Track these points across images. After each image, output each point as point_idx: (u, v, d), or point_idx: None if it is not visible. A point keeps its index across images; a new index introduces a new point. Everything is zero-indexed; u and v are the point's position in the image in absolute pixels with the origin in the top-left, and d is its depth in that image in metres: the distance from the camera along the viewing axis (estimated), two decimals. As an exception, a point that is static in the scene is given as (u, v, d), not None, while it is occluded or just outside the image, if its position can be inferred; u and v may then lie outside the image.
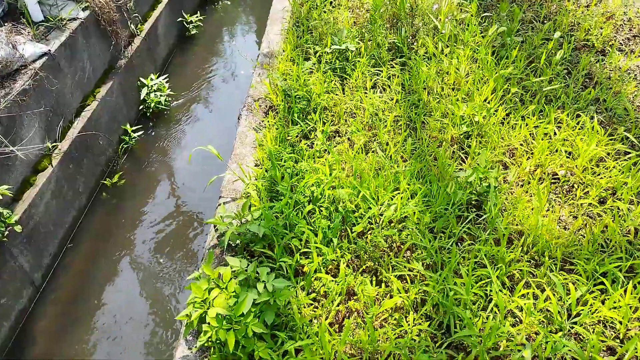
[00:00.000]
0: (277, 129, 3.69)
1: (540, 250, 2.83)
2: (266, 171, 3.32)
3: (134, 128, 5.66)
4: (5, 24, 4.67)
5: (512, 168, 3.42)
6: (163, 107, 6.09)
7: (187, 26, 7.57)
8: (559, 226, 3.05)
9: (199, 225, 5.04)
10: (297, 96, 3.83)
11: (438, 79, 4.05)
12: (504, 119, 3.78)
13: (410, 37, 4.58)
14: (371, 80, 4.23)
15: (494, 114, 3.72)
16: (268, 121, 3.85)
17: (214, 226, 3.12)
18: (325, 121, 3.87)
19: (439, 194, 3.13)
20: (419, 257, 2.79)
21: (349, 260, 2.84)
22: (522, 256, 2.84)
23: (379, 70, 4.30)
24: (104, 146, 5.23)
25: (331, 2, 5.50)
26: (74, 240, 4.69)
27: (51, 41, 4.66)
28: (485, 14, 4.83)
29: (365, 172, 3.26)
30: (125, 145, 5.58)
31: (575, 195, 3.22)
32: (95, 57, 5.27)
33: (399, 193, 3.13)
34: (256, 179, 3.37)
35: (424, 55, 4.39)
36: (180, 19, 7.46)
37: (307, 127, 3.74)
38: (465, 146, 3.61)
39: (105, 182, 5.17)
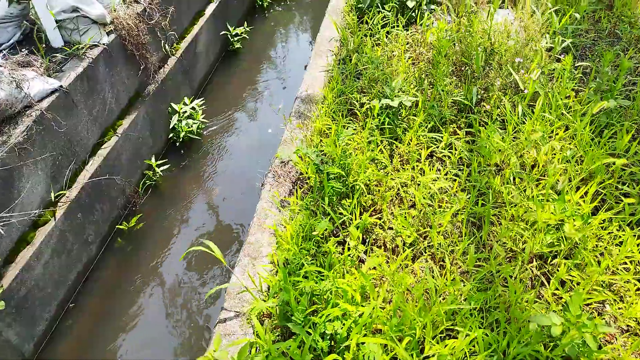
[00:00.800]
0: (302, 217, 2.88)
1: None
2: (280, 286, 2.53)
3: (159, 162, 5.04)
4: (22, 50, 4.12)
5: (612, 307, 2.45)
6: (195, 136, 5.43)
7: (232, 39, 6.87)
8: None
9: (224, 276, 4.34)
10: (331, 174, 2.99)
11: (515, 155, 3.08)
12: (602, 224, 2.77)
13: (482, 91, 3.60)
14: (427, 148, 3.32)
15: (590, 220, 2.72)
16: (294, 201, 3.04)
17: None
18: (364, 204, 3.02)
19: (509, 346, 2.23)
20: None
21: None
22: None
23: (438, 136, 3.37)
24: (123, 186, 4.64)
25: (387, 34, 4.58)
26: (77, 298, 4.12)
27: (66, 72, 4.06)
28: (582, 63, 3.74)
29: (409, 298, 2.40)
30: (148, 182, 4.97)
31: None
32: (119, 85, 4.66)
33: (453, 338, 2.25)
34: (268, 290, 2.60)
35: (497, 118, 3.42)
36: (223, 32, 6.76)
37: (339, 219, 2.90)
38: (548, 263, 2.65)
39: (121, 226, 4.58)
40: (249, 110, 6.01)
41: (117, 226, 4.57)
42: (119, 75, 4.64)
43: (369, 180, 3.07)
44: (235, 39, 6.92)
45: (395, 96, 3.50)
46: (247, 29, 7.10)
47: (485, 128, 3.28)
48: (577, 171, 2.93)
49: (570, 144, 3.13)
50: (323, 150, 3.22)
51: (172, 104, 5.43)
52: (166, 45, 5.39)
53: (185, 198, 4.95)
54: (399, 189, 3.09)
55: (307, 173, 3.18)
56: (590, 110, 3.01)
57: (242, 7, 7.56)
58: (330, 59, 4.40)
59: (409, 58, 4.09)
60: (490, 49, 3.71)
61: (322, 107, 3.69)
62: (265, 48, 7.21)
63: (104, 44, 4.42)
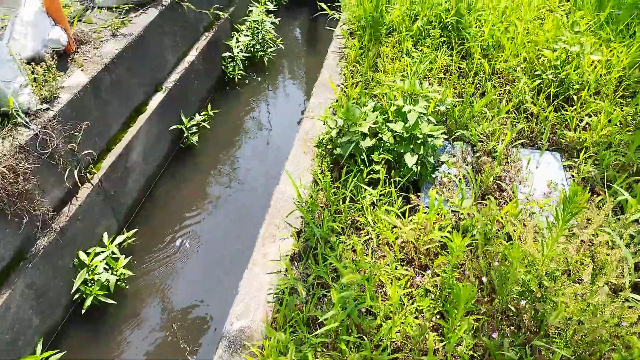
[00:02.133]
0: None
1: None
2: None
3: (50, 354, 3.43)
4: None
5: None
6: (110, 300, 3.77)
7: (187, 132, 5.26)
8: None
9: None
10: None
11: None
12: None
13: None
14: None
15: None
16: None
17: None
18: None
19: None
20: None
21: None
22: None
23: None
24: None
25: (373, 204, 2.97)
26: None
27: None
28: None
29: None
30: (29, 385, 3.37)
31: None
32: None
33: None
34: None
35: None
36: (175, 126, 5.15)
37: None
38: None
39: None
40: (195, 245, 4.40)
41: None
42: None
43: None
44: (192, 130, 5.32)
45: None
46: (211, 113, 5.51)
47: None
48: None
49: None
50: None
51: (81, 253, 3.82)
52: (75, 172, 3.78)
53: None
54: None
55: None
56: None
57: (207, 85, 5.95)
58: (284, 247, 2.80)
59: (406, 279, 2.46)
60: (543, 304, 2.10)
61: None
62: (230, 140, 5.59)
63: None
